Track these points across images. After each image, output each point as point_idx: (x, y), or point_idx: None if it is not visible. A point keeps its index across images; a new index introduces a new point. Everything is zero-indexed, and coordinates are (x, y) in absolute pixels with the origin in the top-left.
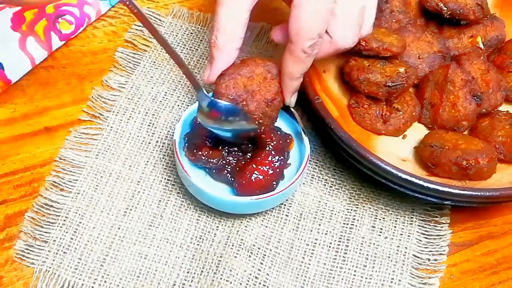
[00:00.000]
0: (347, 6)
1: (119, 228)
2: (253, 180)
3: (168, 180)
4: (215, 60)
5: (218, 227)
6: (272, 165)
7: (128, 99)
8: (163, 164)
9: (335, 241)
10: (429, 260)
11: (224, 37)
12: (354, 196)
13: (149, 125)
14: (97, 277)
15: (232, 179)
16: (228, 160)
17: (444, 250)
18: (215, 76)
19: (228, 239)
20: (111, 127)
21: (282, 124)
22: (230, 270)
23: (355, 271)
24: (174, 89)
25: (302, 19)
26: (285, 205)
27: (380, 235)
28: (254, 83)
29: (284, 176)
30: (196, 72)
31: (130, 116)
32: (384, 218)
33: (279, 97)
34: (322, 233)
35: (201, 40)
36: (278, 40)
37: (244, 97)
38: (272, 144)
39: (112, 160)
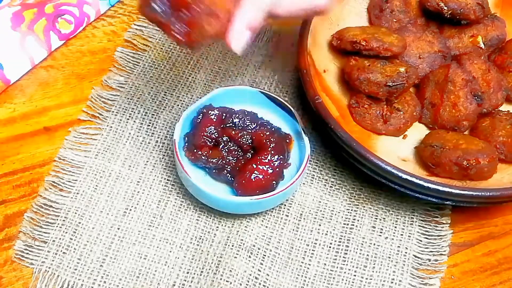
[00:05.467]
0: None
1: (118, 229)
2: (253, 180)
3: (168, 180)
4: None
5: (218, 227)
6: (272, 164)
7: (128, 99)
8: (162, 164)
9: (335, 241)
10: (429, 260)
11: None
12: (354, 196)
13: (148, 125)
14: (97, 278)
15: (232, 179)
16: (228, 160)
17: (444, 251)
18: None
19: (228, 239)
20: (111, 127)
21: (282, 124)
22: (230, 271)
23: (355, 271)
24: (174, 89)
25: None
26: (285, 205)
27: (380, 236)
28: None
29: (284, 176)
30: (196, 73)
31: (129, 116)
32: (384, 219)
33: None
34: (322, 234)
35: None
36: None
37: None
38: (272, 144)
39: (112, 160)
